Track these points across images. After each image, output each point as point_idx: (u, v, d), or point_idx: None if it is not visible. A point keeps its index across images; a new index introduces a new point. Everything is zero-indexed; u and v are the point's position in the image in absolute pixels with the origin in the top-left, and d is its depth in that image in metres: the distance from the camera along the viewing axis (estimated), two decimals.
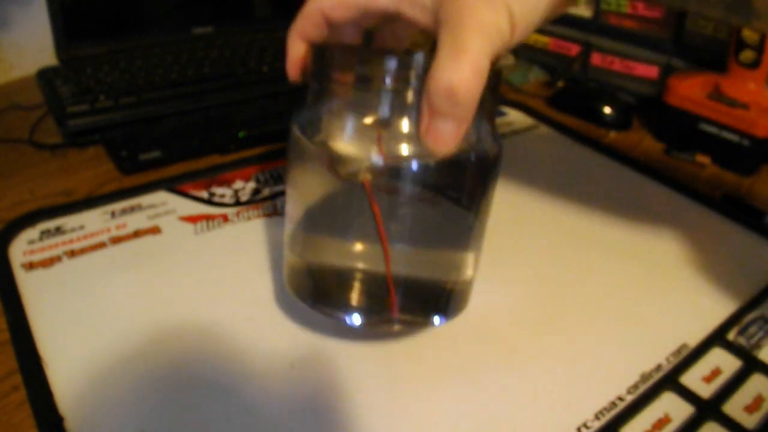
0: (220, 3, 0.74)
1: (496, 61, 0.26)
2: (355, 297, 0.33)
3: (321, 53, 0.29)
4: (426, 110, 0.25)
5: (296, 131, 0.30)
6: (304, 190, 0.32)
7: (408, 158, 0.28)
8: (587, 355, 0.36)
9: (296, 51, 0.30)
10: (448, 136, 0.25)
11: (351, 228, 0.31)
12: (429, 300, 0.33)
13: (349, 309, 0.32)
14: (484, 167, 0.30)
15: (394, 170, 0.29)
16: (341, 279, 0.33)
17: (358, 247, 0.31)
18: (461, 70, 0.24)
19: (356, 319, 0.32)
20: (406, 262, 0.32)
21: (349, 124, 0.29)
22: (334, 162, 0.29)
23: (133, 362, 0.34)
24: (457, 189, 0.30)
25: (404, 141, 0.28)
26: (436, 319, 0.34)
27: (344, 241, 0.32)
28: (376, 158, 0.28)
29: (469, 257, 0.34)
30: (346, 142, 0.29)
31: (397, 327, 0.34)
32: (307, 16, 0.29)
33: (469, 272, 0.34)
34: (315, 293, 0.33)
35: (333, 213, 0.32)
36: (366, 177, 0.28)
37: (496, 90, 0.29)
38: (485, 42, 0.24)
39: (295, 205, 0.33)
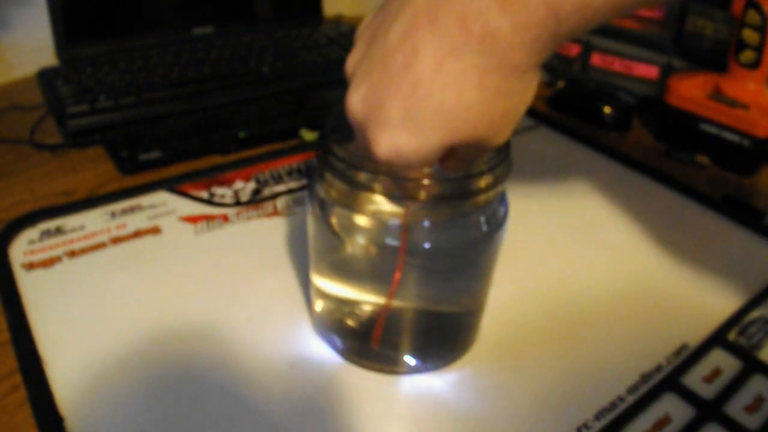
0: (221, 3, 0.74)
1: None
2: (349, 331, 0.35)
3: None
4: None
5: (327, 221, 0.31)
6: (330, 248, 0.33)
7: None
8: (587, 355, 0.36)
9: None
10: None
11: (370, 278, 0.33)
12: (414, 344, 0.35)
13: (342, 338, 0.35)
14: (492, 228, 0.32)
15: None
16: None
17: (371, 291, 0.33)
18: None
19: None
20: (406, 308, 0.33)
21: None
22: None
23: (134, 362, 0.34)
24: (465, 250, 0.32)
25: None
26: (410, 359, 0.35)
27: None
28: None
29: (471, 316, 0.35)
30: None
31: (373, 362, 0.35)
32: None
33: (471, 322, 0.36)
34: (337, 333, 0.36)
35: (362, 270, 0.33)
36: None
37: (507, 156, 0.30)
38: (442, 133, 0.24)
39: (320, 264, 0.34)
